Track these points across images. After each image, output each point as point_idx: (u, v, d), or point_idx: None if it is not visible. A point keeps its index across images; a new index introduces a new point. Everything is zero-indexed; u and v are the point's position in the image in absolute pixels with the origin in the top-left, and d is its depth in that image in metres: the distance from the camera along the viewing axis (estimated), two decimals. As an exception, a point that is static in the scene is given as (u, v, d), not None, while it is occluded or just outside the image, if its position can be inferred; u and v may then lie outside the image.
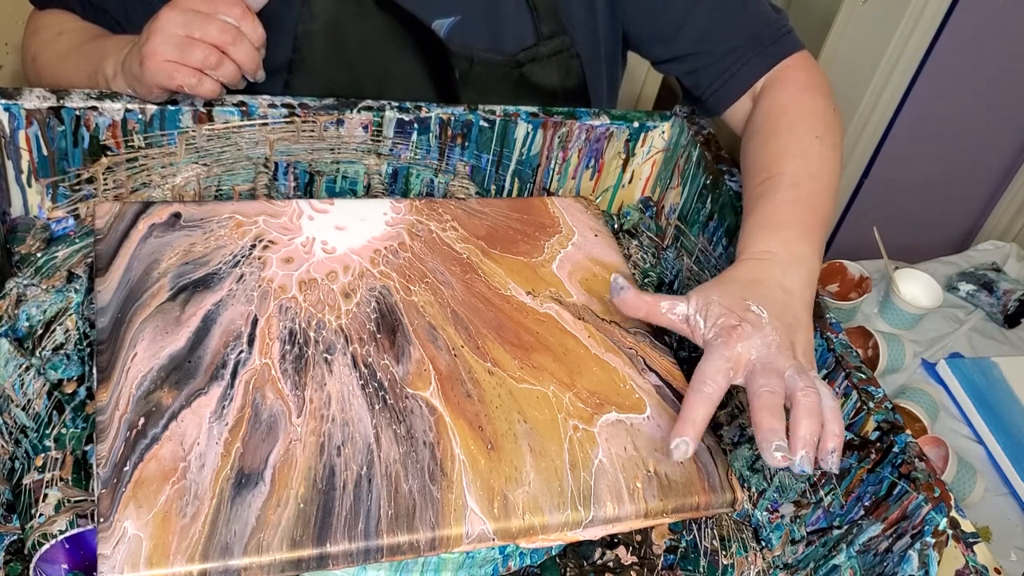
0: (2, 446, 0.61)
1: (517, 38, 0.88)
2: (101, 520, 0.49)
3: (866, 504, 0.64)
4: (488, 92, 0.89)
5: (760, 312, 0.61)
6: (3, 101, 0.71)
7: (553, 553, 0.65)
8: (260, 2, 0.76)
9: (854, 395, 0.66)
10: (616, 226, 0.93)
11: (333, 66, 0.87)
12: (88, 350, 0.68)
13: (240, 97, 0.77)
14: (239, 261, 0.65)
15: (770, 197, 0.73)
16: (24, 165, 0.74)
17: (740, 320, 0.61)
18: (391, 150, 0.84)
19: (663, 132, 0.91)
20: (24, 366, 0.64)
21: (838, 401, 0.61)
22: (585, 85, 0.93)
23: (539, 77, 0.90)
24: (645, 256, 0.90)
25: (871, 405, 0.66)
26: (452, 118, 0.83)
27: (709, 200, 0.85)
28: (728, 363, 0.59)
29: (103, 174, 0.77)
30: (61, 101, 0.72)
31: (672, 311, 0.63)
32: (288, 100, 0.79)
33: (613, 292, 0.65)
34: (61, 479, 0.59)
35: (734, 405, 0.78)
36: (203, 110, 0.76)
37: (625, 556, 0.66)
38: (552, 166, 0.89)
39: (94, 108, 0.73)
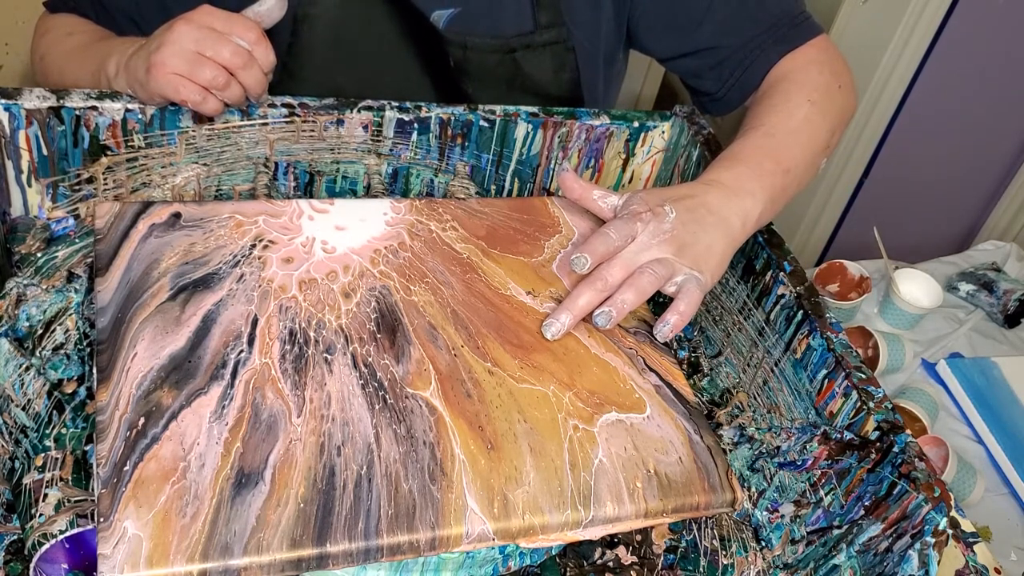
0: (2, 446, 0.61)
1: (515, 26, 0.88)
2: (101, 520, 0.49)
3: (866, 504, 0.64)
4: (483, 81, 0.89)
5: (669, 211, 0.67)
6: (3, 101, 0.71)
7: (553, 553, 0.65)
8: (274, 18, 0.76)
9: (854, 395, 0.66)
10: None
11: (330, 51, 0.87)
12: (88, 350, 0.68)
13: (240, 97, 0.77)
14: (239, 261, 0.65)
15: (740, 140, 0.77)
16: (24, 165, 0.74)
17: (648, 210, 0.67)
18: (391, 150, 0.84)
19: (663, 132, 0.91)
20: (24, 366, 0.64)
21: (705, 290, 0.67)
22: (579, 80, 0.93)
23: (532, 66, 0.90)
24: (645, 256, 0.90)
25: (871, 405, 0.66)
26: (452, 118, 0.83)
27: (709, 200, 0.85)
28: (610, 242, 0.65)
29: (103, 174, 0.77)
30: (61, 101, 0.72)
31: (603, 199, 0.71)
32: (288, 100, 0.79)
33: (557, 174, 0.70)
34: (61, 479, 0.59)
35: (734, 405, 0.78)
36: (203, 110, 0.76)
37: (625, 556, 0.66)
38: (552, 166, 0.89)
39: (94, 108, 0.73)
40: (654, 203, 0.68)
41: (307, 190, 0.84)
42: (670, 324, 0.65)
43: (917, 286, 1.35)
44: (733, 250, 0.70)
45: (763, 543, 0.70)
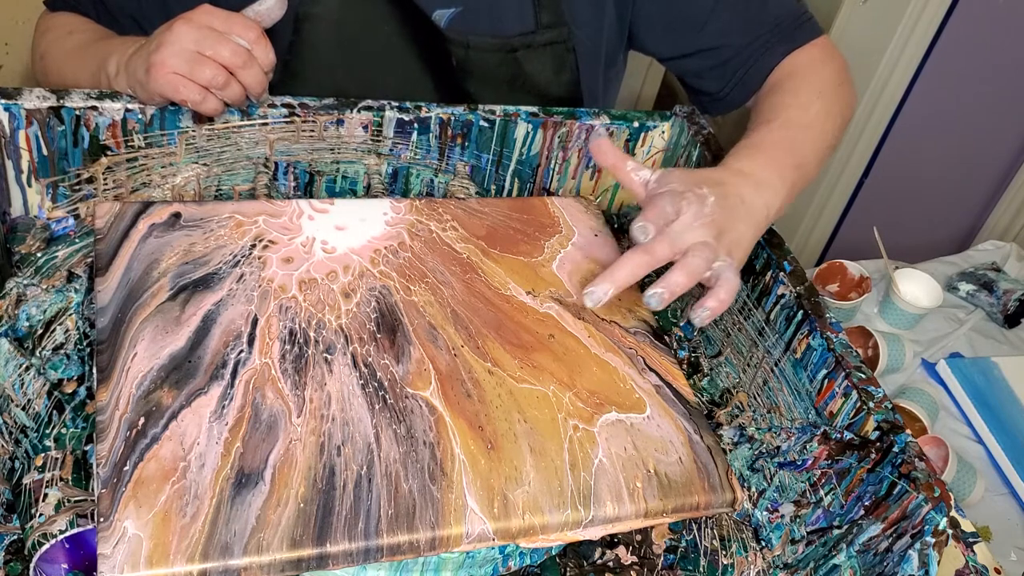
0: (2, 446, 0.61)
1: (516, 25, 0.88)
2: (101, 520, 0.49)
3: (866, 504, 0.64)
4: (485, 80, 0.89)
5: (708, 194, 0.67)
6: (3, 101, 0.71)
7: (553, 553, 0.65)
8: (273, 18, 0.76)
9: (854, 395, 0.66)
10: (616, 226, 0.93)
11: (332, 50, 0.87)
12: (88, 350, 0.68)
13: (240, 97, 0.77)
14: (239, 261, 0.65)
15: (760, 131, 0.78)
16: (24, 165, 0.74)
17: (688, 190, 0.67)
18: (391, 150, 0.84)
19: (663, 132, 0.91)
20: (24, 366, 0.64)
21: (740, 284, 0.66)
22: (578, 81, 0.93)
23: (533, 66, 0.90)
24: (645, 256, 0.90)
25: (871, 405, 0.66)
26: (452, 118, 0.83)
27: (709, 200, 0.85)
28: (667, 216, 0.65)
29: (103, 174, 0.77)
30: (61, 101, 0.72)
31: (636, 172, 0.69)
32: (288, 100, 0.79)
33: (592, 139, 0.70)
34: (61, 479, 0.59)
35: (734, 405, 0.78)
36: (203, 110, 0.76)
37: (625, 556, 0.66)
38: (552, 166, 0.89)
39: (94, 108, 0.73)
40: (692, 184, 0.68)
41: (307, 190, 0.84)
42: (709, 310, 0.64)
43: (917, 286, 1.35)
44: (755, 242, 0.71)
45: (763, 543, 0.70)
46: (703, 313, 0.64)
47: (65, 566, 0.58)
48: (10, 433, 0.62)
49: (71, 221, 0.77)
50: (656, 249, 0.64)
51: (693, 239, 0.65)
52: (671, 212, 0.65)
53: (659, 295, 0.63)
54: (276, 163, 0.81)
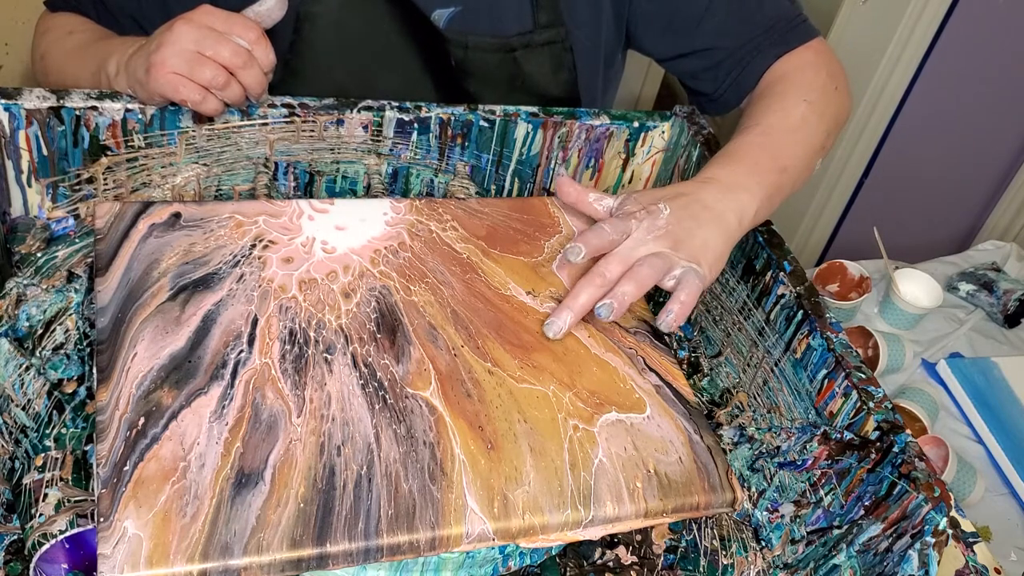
0: (2, 446, 0.61)
1: (515, 25, 0.88)
2: (101, 520, 0.49)
3: (866, 504, 0.64)
4: (485, 80, 0.89)
5: (663, 208, 0.68)
6: (3, 101, 0.71)
7: (553, 553, 0.65)
8: (274, 18, 0.76)
9: (854, 395, 0.66)
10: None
11: (332, 50, 0.88)
12: (88, 350, 0.68)
13: (240, 97, 0.77)
14: (239, 261, 0.65)
15: (737, 139, 0.78)
16: (24, 165, 0.74)
17: (642, 208, 0.68)
18: (391, 150, 0.84)
19: (663, 132, 0.91)
20: (24, 366, 0.64)
21: (705, 283, 0.67)
22: (575, 80, 0.93)
23: (532, 66, 0.90)
24: (645, 256, 0.90)
25: (871, 405, 0.66)
26: (452, 118, 0.83)
27: (709, 200, 0.85)
28: (605, 235, 0.66)
29: (103, 174, 0.77)
30: (61, 101, 0.72)
31: (599, 203, 0.72)
32: (288, 100, 0.79)
33: (555, 178, 0.75)
34: (61, 479, 0.59)
35: (734, 405, 0.78)
36: (203, 110, 0.76)
37: (625, 556, 0.66)
38: (552, 166, 0.89)
39: (94, 108, 0.73)
40: (648, 202, 0.68)
41: (307, 190, 0.84)
42: (673, 313, 0.65)
43: (917, 286, 1.35)
44: (730, 246, 0.70)
45: (763, 543, 0.70)
46: (668, 318, 0.65)
47: (65, 566, 0.58)
48: (10, 433, 0.62)
49: (71, 221, 0.77)
50: (608, 270, 0.65)
51: (645, 252, 0.66)
52: (611, 232, 0.66)
53: (608, 306, 0.64)
54: (276, 163, 0.81)
